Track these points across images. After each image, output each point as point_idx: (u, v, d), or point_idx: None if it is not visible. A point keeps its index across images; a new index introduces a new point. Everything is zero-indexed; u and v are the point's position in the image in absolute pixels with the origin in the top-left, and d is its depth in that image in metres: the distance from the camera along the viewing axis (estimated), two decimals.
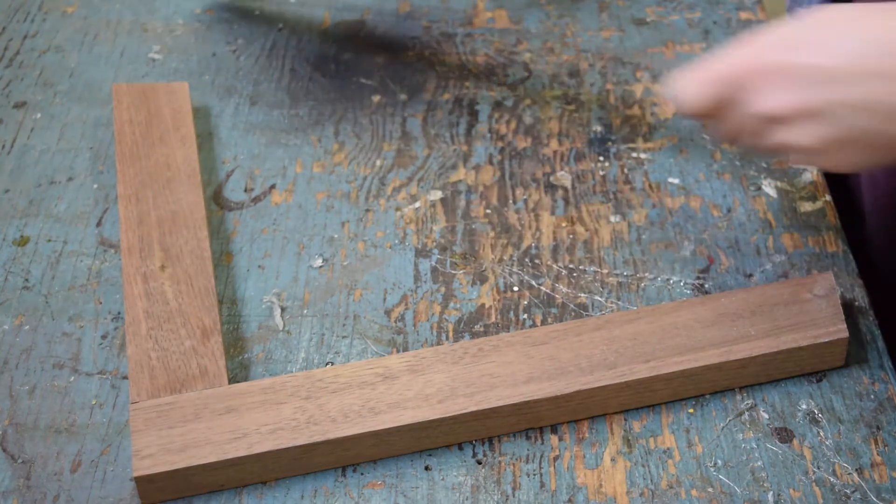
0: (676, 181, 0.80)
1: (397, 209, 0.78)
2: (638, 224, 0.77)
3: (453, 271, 0.74)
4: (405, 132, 0.85)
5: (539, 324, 0.70)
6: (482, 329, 0.70)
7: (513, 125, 0.86)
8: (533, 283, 0.73)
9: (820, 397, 0.66)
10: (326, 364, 0.68)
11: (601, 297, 0.72)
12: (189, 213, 0.74)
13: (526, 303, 0.72)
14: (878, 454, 0.63)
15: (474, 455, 0.63)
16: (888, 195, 0.81)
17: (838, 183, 0.84)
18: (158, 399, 0.63)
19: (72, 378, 0.67)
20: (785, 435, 0.64)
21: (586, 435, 0.64)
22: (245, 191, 0.80)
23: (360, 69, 0.91)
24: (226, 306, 0.71)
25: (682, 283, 0.73)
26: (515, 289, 0.73)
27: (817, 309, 0.67)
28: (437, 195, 0.80)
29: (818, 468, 0.62)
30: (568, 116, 0.86)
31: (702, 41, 0.93)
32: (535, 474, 0.62)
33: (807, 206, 0.78)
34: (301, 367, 0.68)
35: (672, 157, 0.82)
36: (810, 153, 0.60)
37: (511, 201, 0.79)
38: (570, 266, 0.74)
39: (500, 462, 0.63)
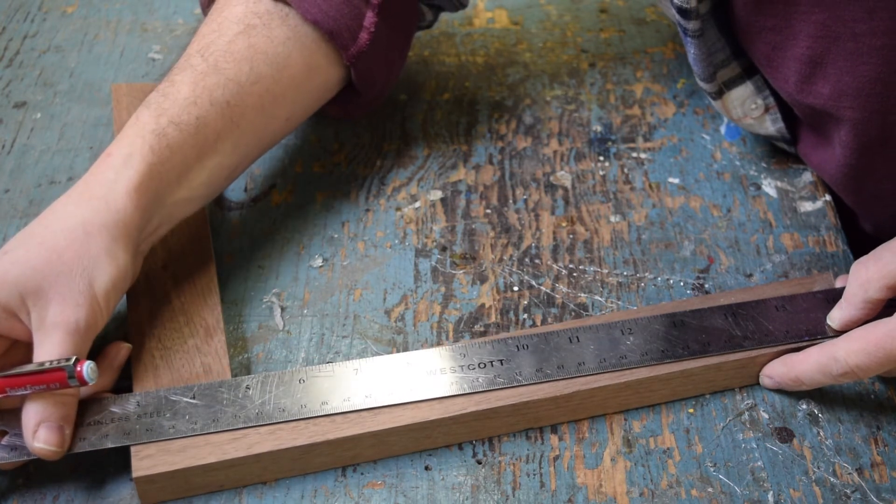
0: (676, 181, 0.80)
1: (397, 209, 0.78)
2: (638, 224, 0.77)
3: (453, 271, 0.74)
4: (405, 132, 0.85)
5: (539, 324, 0.70)
6: (482, 329, 0.70)
7: (513, 125, 0.86)
8: (533, 282, 0.73)
9: (820, 397, 0.66)
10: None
11: (601, 296, 0.72)
12: None
13: (526, 303, 0.72)
14: (878, 454, 0.63)
15: (474, 455, 0.63)
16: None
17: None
18: None
19: None
20: (785, 435, 0.64)
21: (586, 435, 0.64)
22: (245, 191, 0.80)
23: None
24: (226, 306, 0.71)
25: (682, 283, 0.73)
26: (515, 289, 0.73)
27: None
28: (437, 195, 0.80)
29: (818, 468, 0.62)
30: (568, 116, 0.86)
31: None
32: (535, 474, 0.62)
33: (807, 206, 0.78)
34: (301, 366, 0.68)
35: (672, 157, 0.82)
36: None
37: (511, 201, 0.79)
38: (570, 266, 0.74)
39: (500, 462, 0.63)
